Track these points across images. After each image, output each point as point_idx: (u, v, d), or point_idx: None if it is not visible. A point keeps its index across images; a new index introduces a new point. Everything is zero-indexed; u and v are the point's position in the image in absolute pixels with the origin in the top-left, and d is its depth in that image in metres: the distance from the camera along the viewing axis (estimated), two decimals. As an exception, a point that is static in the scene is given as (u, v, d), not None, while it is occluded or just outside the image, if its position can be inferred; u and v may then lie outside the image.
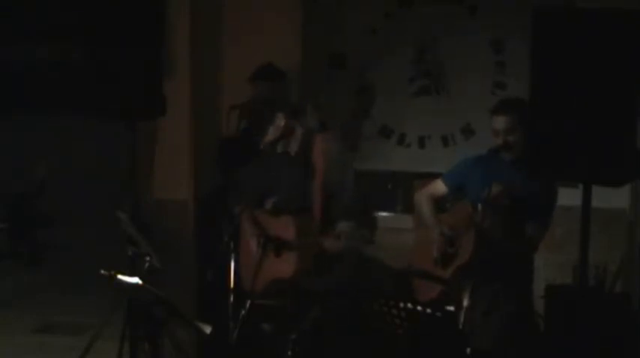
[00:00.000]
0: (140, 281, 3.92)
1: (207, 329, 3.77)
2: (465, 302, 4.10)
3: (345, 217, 4.41)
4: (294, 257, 4.39)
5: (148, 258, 4.39)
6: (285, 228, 4.45)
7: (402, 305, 3.81)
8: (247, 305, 4.33)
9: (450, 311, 4.10)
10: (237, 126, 5.75)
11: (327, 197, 4.48)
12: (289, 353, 4.23)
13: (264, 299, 4.56)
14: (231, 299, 4.39)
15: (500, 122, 4.49)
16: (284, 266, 4.42)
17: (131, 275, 3.97)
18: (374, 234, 4.35)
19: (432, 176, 4.93)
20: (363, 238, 4.15)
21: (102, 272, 3.96)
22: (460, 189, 4.67)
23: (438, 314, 3.81)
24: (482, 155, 4.67)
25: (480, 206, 4.31)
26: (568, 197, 4.95)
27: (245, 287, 4.58)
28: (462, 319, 4.07)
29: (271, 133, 4.64)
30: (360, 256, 4.43)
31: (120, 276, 3.94)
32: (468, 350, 3.94)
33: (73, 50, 4.75)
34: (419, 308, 3.81)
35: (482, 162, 4.63)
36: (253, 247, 4.57)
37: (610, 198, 4.96)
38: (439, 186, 4.77)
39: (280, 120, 4.61)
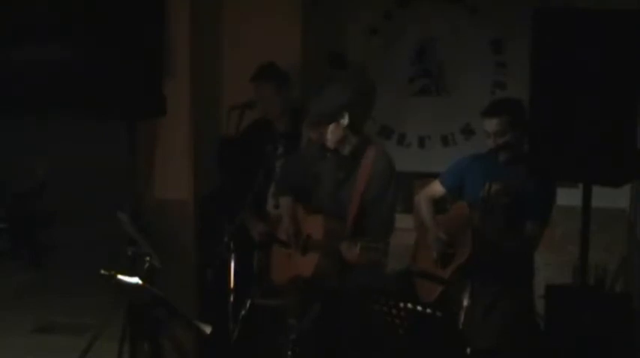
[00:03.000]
0: (140, 281, 3.92)
1: (207, 329, 3.77)
2: (465, 302, 4.10)
3: (373, 235, 4.38)
4: (318, 258, 4.40)
5: (147, 258, 4.39)
6: (315, 227, 4.46)
7: (402, 305, 3.81)
8: (247, 305, 4.33)
9: (450, 311, 4.10)
10: (237, 126, 5.74)
11: (363, 208, 4.47)
12: (289, 353, 4.22)
13: (279, 295, 4.65)
14: (231, 299, 4.39)
15: (490, 124, 4.49)
16: (307, 264, 4.44)
17: (131, 275, 3.97)
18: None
19: (432, 176, 4.93)
20: (378, 251, 4.12)
21: (102, 272, 3.97)
22: (459, 189, 4.67)
23: (438, 314, 3.81)
24: (477, 154, 4.66)
25: (478, 205, 4.31)
26: (568, 197, 4.95)
27: (274, 279, 4.73)
28: (462, 319, 4.07)
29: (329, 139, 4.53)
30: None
31: (120, 276, 3.94)
32: (468, 350, 3.94)
33: (73, 50, 4.75)
34: (419, 308, 3.81)
35: (478, 161, 4.62)
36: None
37: (610, 198, 4.96)
38: (437, 188, 4.77)
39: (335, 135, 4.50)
